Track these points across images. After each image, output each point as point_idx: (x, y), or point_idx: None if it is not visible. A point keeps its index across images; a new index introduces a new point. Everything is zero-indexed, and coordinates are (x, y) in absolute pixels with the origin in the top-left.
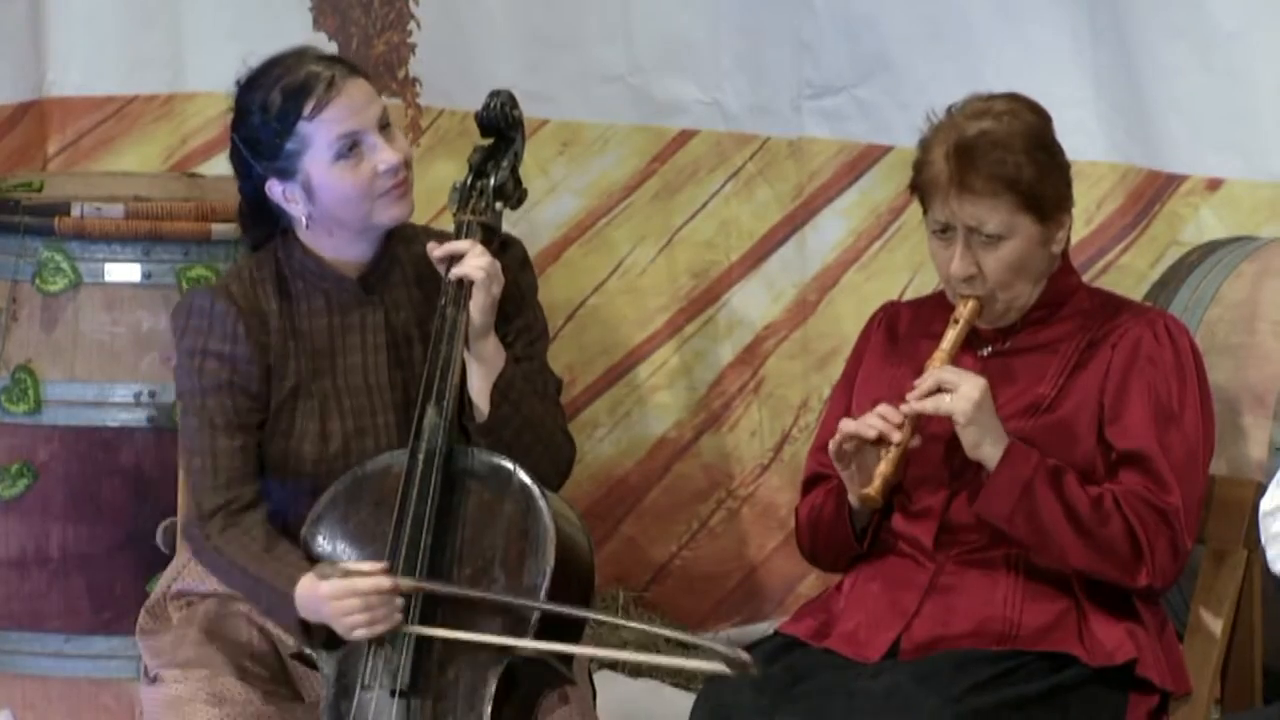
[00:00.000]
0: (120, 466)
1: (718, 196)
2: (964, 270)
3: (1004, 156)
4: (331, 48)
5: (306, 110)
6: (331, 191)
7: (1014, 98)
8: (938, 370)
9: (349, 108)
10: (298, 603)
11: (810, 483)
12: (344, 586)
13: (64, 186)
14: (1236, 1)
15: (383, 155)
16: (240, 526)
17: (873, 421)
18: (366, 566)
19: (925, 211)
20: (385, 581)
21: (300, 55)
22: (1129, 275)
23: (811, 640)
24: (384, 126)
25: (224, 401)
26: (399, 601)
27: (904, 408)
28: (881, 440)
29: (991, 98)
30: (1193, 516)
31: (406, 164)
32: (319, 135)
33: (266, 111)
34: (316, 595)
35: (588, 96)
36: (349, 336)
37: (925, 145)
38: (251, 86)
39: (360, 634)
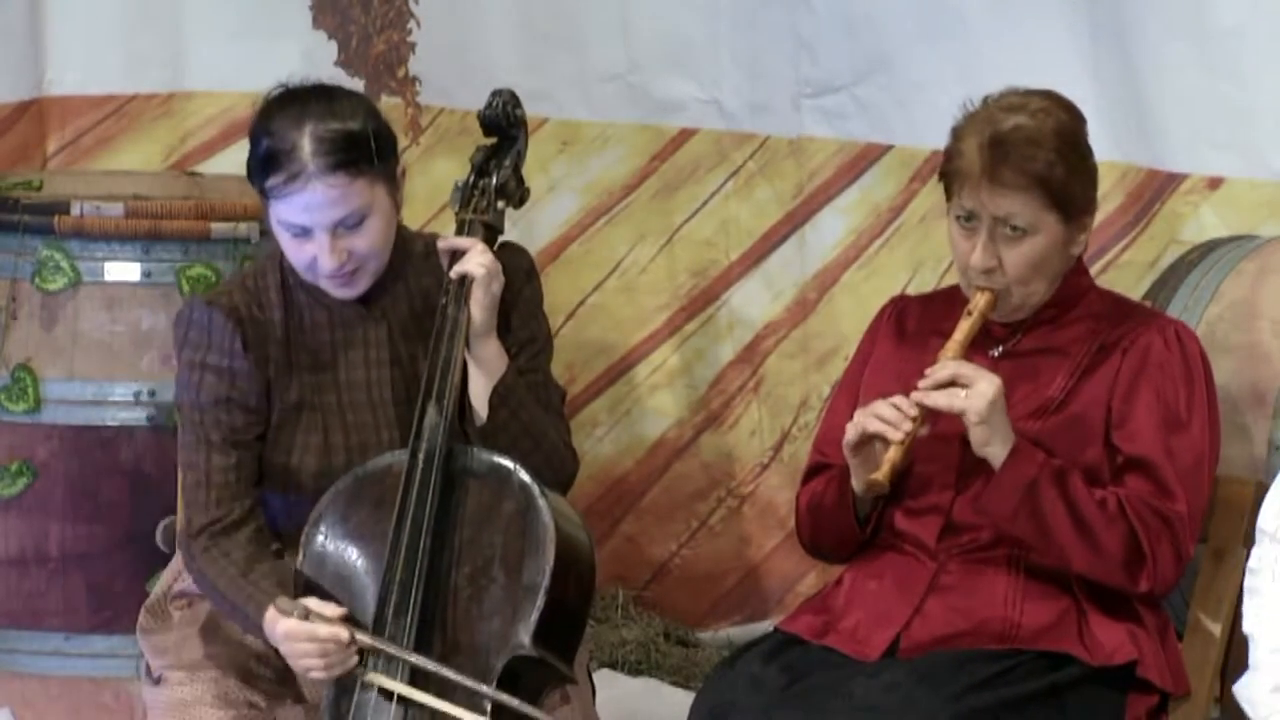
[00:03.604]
0: (120, 465)
1: (717, 195)
2: (985, 262)
3: (1036, 153)
4: (331, 47)
5: (268, 183)
6: (283, 247)
7: (1050, 95)
8: (955, 364)
9: (304, 206)
10: (265, 631)
11: (811, 473)
12: (301, 630)
13: (63, 185)
14: None
15: (322, 256)
16: (221, 547)
17: (884, 413)
18: (328, 611)
19: (950, 199)
20: (343, 634)
21: (303, 118)
22: (1129, 274)
23: (811, 637)
24: (348, 225)
25: (220, 417)
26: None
27: (915, 396)
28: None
29: (1029, 93)
30: (1196, 524)
31: (358, 260)
32: (274, 207)
33: (254, 149)
34: (275, 632)
35: (587, 95)
36: (351, 351)
37: (958, 134)
38: (263, 113)
39: (315, 676)
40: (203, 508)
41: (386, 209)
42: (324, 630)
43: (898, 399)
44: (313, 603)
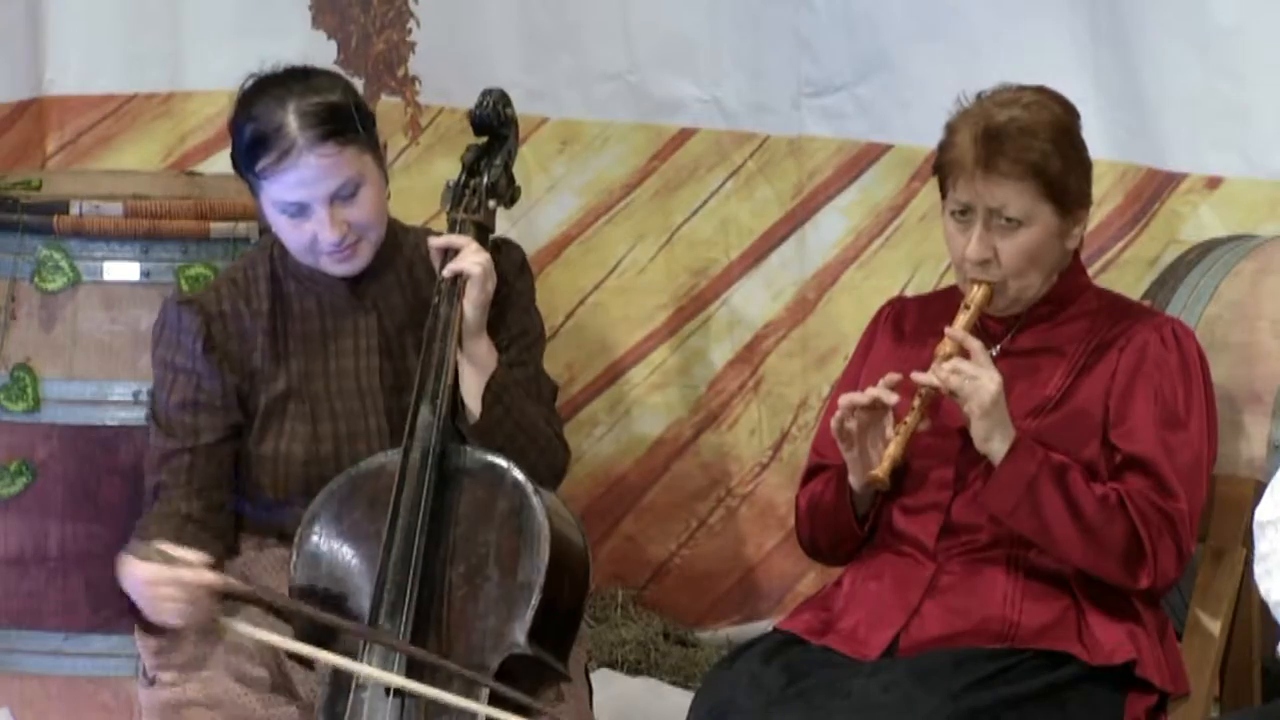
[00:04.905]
0: (119, 465)
1: (717, 195)
2: (980, 254)
3: (1031, 143)
4: (330, 46)
5: (259, 166)
6: (279, 233)
7: (1043, 90)
8: (958, 361)
9: (299, 181)
10: (122, 579)
11: (810, 474)
12: (166, 574)
13: (63, 185)
14: None
15: (323, 231)
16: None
17: (870, 390)
18: (190, 556)
19: (944, 194)
20: (209, 577)
21: (284, 98)
22: (1128, 273)
23: (810, 637)
24: (343, 195)
25: (185, 419)
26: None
27: (920, 377)
28: (875, 406)
29: (1021, 89)
30: (1195, 521)
31: (358, 230)
32: (268, 190)
33: (238, 138)
34: (135, 577)
35: (587, 95)
36: (341, 340)
37: (951, 128)
38: (242, 102)
39: (175, 623)
40: (155, 501)
41: (378, 179)
42: (188, 575)
43: (884, 380)
44: (168, 546)
